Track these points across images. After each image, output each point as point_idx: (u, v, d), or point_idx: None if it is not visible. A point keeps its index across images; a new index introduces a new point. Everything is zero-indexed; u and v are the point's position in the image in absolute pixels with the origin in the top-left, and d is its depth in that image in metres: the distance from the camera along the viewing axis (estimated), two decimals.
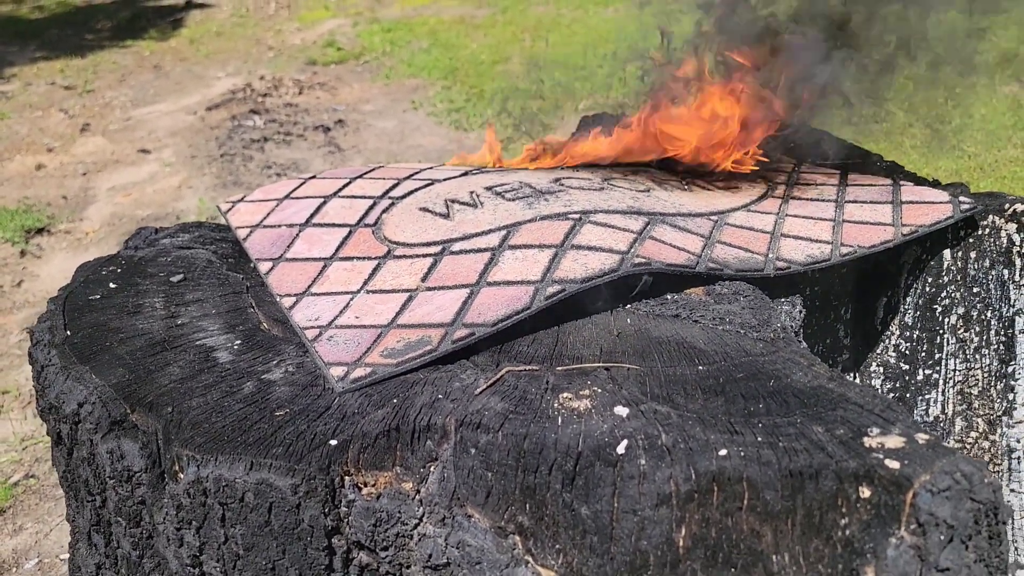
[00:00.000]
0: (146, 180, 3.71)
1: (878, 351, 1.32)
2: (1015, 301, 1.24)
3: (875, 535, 0.73)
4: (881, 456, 0.74)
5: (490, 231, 1.12)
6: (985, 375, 1.28)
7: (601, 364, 0.92)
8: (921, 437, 0.76)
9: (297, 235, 1.20)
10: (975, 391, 1.29)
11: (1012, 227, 1.22)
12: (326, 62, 5.08)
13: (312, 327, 1.01)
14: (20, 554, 1.94)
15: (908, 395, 1.32)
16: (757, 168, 1.39)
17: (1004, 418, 1.29)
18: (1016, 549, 1.32)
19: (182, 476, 0.85)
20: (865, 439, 0.77)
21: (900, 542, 0.72)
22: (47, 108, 4.56)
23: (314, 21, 6.01)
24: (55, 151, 4.03)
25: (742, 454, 0.76)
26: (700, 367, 0.91)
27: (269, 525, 0.83)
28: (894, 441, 0.76)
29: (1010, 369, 1.27)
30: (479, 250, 1.08)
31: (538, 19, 5.57)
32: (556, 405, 0.84)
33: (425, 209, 1.20)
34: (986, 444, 1.30)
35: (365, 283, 1.08)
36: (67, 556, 1.93)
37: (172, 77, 5.00)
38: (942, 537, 0.71)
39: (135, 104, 4.59)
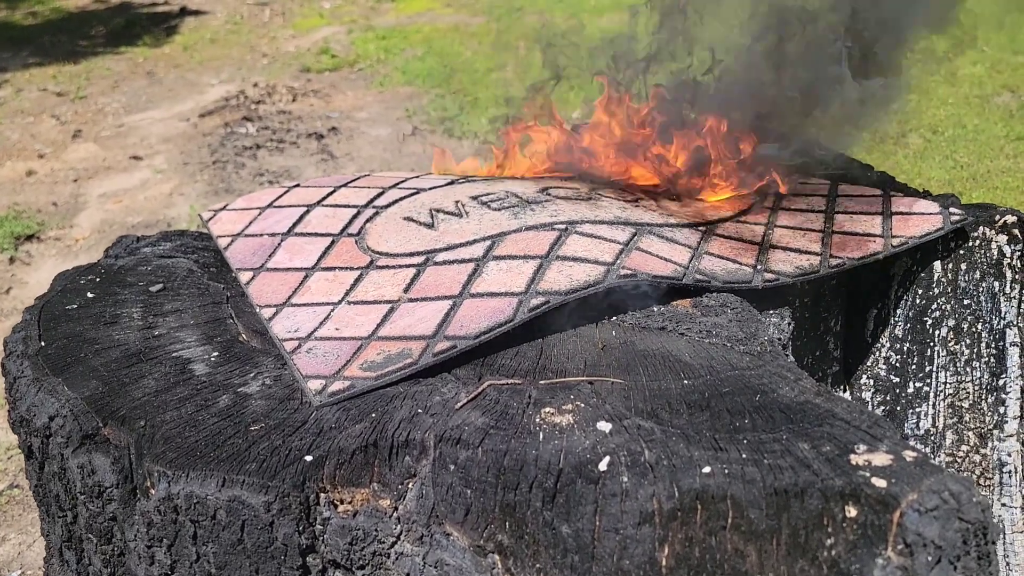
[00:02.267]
0: (137, 187, 3.69)
1: (868, 363, 1.31)
2: (1006, 313, 1.23)
3: (861, 555, 0.71)
4: (868, 474, 0.73)
5: (474, 241, 1.10)
6: (976, 388, 1.27)
7: (585, 378, 0.90)
8: (908, 454, 0.74)
9: (279, 244, 1.18)
10: (966, 404, 1.28)
11: (1003, 239, 1.21)
12: (320, 69, 5.07)
13: (291, 339, 0.99)
14: (3, 565, 1.91)
15: (898, 408, 1.30)
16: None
17: (995, 431, 1.27)
18: (1008, 564, 1.30)
19: (153, 492, 0.83)
20: (852, 456, 0.75)
21: (887, 563, 0.71)
22: (39, 114, 4.54)
23: (308, 28, 6.00)
24: (46, 157, 4.01)
25: (726, 471, 0.74)
26: (685, 381, 0.89)
27: (242, 543, 0.81)
28: (881, 459, 0.74)
29: (1001, 382, 1.26)
30: (463, 260, 1.07)
31: (533, 27, 5.57)
32: (538, 420, 0.83)
33: (409, 219, 1.18)
34: (977, 458, 1.29)
35: (347, 294, 1.06)
36: None
37: (165, 84, 4.98)
38: (930, 558, 0.69)
39: (128, 110, 4.58)
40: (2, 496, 2.10)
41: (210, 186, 3.62)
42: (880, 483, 0.72)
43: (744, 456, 0.76)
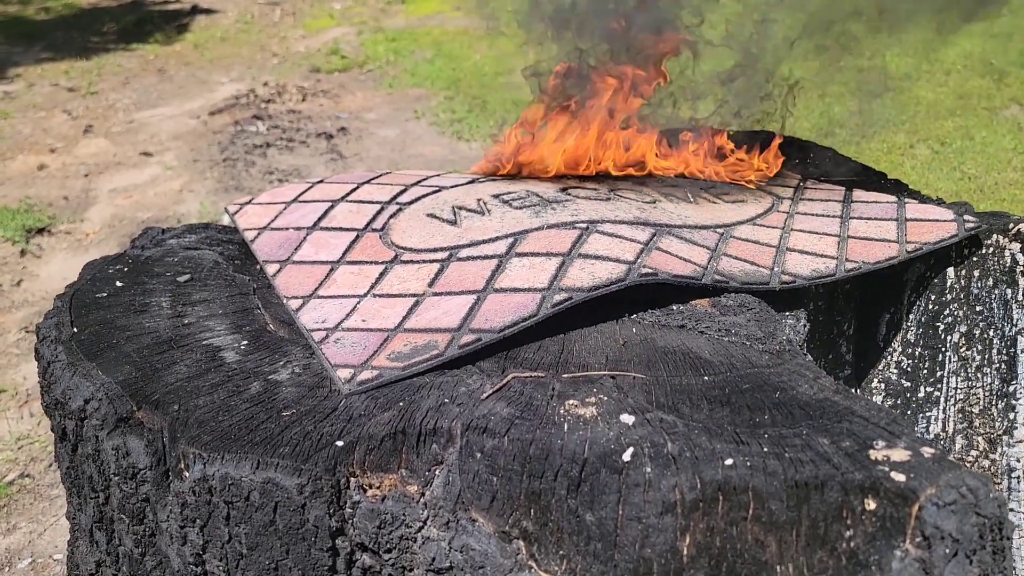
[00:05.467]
0: (147, 183, 3.71)
1: (880, 367, 1.33)
2: (1017, 320, 1.25)
3: (880, 547, 0.73)
4: (887, 469, 0.75)
5: (497, 238, 1.12)
6: (986, 394, 1.28)
7: (607, 372, 0.92)
8: (927, 451, 0.76)
9: (305, 238, 1.20)
10: (976, 410, 1.29)
11: (1016, 247, 1.23)
12: (330, 70, 5.10)
13: (319, 329, 1.01)
14: (13, 553, 1.93)
15: (909, 412, 1.32)
16: (763, 183, 1.40)
17: (1005, 437, 1.29)
18: (1015, 569, 1.32)
19: (187, 474, 0.85)
20: (871, 452, 0.77)
21: (905, 555, 0.73)
22: (51, 109, 4.56)
23: (319, 29, 6.03)
24: (58, 152, 4.03)
25: (748, 464, 0.76)
26: (706, 377, 0.91)
27: (274, 524, 0.83)
28: (900, 454, 0.76)
29: (1011, 388, 1.27)
30: (486, 257, 1.09)
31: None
32: (562, 412, 0.85)
33: (432, 215, 1.20)
34: (986, 463, 1.31)
35: (372, 287, 1.08)
36: (60, 556, 1.92)
37: (176, 81, 5.01)
38: (947, 551, 0.71)
39: (138, 107, 4.60)
40: (13, 485, 2.12)
41: (220, 183, 3.65)
42: (899, 477, 0.73)
43: (765, 449, 0.78)
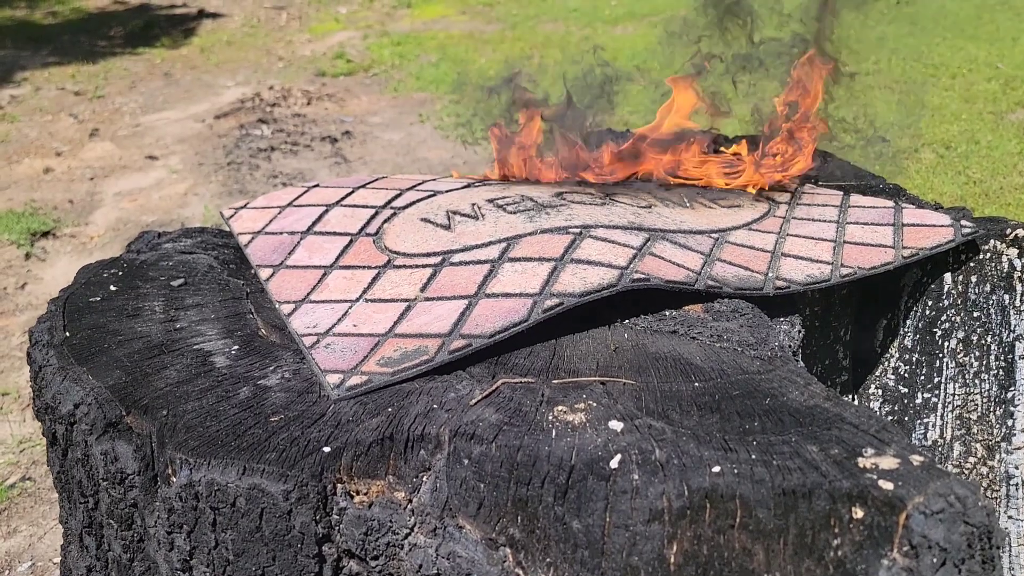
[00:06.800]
0: (152, 186, 3.73)
1: (877, 373, 1.32)
2: (1015, 326, 1.24)
3: (867, 556, 0.73)
4: (875, 477, 0.74)
5: (490, 243, 1.12)
6: (984, 400, 1.28)
7: (597, 378, 0.92)
8: (915, 459, 0.76)
9: (298, 242, 1.20)
10: (974, 416, 1.29)
11: (1013, 252, 1.22)
12: (335, 74, 5.11)
13: (310, 334, 1.01)
14: (13, 556, 1.93)
15: (906, 419, 1.31)
16: (761, 187, 1.40)
17: (1003, 444, 1.28)
18: None
19: (175, 479, 0.85)
20: (859, 459, 0.76)
21: (892, 564, 0.72)
22: (57, 112, 4.59)
23: (324, 33, 6.05)
24: (63, 155, 4.05)
25: (735, 471, 0.76)
26: (696, 384, 0.91)
27: (260, 531, 0.82)
28: (888, 462, 0.76)
29: (1009, 395, 1.27)
30: (478, 262, 1.09)
31: (547, 36, 5.60)
32: (551, 418, 0.84)
33: (426, 220, 1.20)
34: (984, 470, 1.30)
35: (364, 292, 1.08)
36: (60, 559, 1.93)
37: (182, 85, 5.03)
38: (935, 560, 0.71)
39: (144, 111, 4.62)
40: (14, 489, 2.12)
41: (224, 187, 3.66)
42: (887, 486, 0.73)
43: (753, 457, 0.78)
